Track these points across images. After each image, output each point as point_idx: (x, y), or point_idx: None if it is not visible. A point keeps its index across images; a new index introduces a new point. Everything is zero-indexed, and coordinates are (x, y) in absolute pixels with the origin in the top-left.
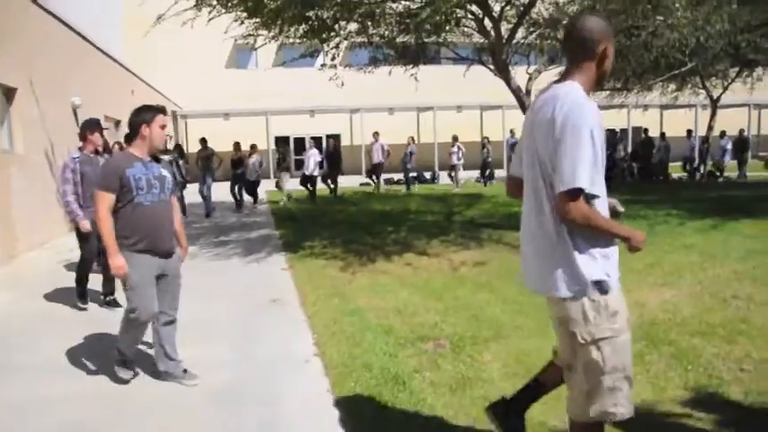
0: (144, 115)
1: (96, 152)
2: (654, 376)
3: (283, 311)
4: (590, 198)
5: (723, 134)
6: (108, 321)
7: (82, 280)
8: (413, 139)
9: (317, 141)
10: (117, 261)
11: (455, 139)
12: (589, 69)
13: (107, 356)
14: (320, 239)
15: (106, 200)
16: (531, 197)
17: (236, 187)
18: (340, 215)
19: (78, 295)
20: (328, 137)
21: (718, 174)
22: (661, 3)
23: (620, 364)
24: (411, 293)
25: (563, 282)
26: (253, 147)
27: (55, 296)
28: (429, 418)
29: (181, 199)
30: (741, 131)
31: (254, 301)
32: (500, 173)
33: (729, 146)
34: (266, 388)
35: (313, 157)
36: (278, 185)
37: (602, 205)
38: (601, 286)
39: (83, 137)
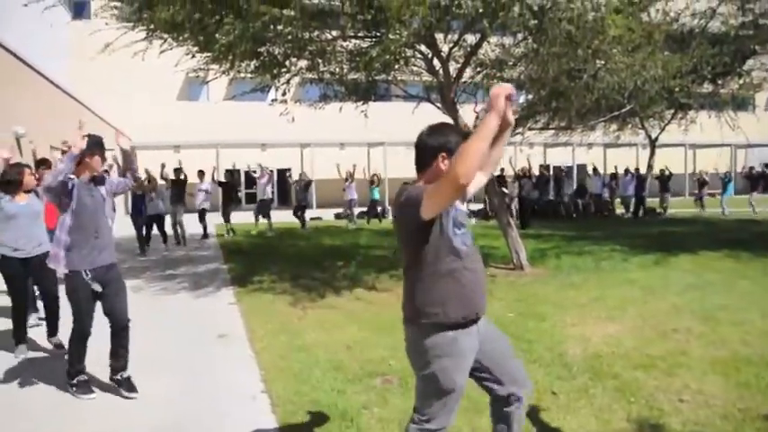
0: (440, 139)
1: (93, 180)
2: (598, 409)
3: (231, 347)
4: None
5: (627, 171)
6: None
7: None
8: (299, 174)
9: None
10: None
11: (350, 175)
12: None
13: None
14: (269, 274)
15: None
16: None
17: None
18: (290, 249)
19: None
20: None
21: (631, 210)
22: (600, 48)
23: None
24: (360, 329)
25: None
26: (150, 180)
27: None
28: None
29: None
30: (662, 171)
31: (202, 337)
32: None
33: (633, 183)
34: (213, 425)
35: (205, 187)
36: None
37: None
38: None
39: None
